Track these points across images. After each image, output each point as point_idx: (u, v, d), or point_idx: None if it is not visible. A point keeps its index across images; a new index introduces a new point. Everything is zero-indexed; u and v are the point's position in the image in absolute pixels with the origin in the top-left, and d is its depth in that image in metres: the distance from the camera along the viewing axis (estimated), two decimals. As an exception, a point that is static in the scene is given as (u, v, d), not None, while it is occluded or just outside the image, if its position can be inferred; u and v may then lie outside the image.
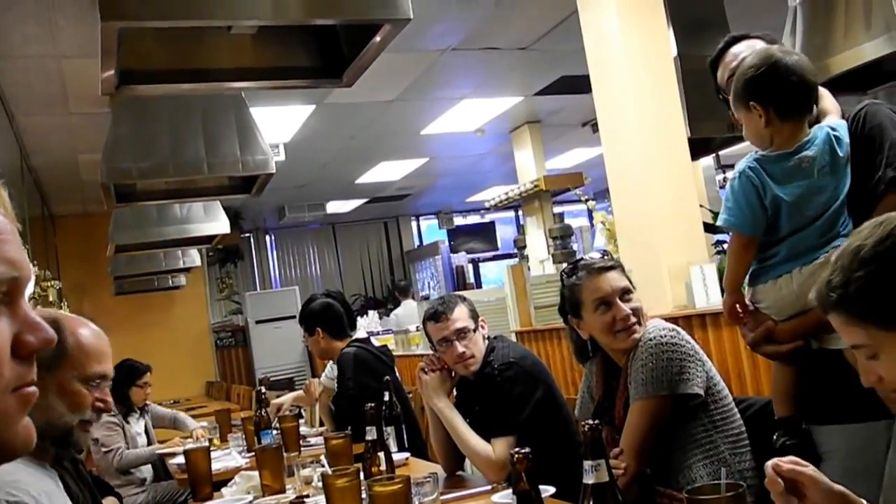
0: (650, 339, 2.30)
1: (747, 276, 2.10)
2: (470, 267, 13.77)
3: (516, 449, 1.59)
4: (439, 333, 2.86)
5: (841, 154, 1.98)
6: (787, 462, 1.38)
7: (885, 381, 1.31)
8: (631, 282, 2.42)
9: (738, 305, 2.11)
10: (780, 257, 2.00)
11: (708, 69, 2.36)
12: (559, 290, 2.54)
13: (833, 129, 2.01)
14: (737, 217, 2.02)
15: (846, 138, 2.00)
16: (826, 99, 2.10)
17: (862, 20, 3.70)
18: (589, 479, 1.46)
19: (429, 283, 13.01)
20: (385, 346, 4.49)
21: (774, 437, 2.06)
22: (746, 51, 2.18)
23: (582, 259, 2.49)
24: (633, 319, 2.34)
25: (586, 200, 6.54)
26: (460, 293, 3.13)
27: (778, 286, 2.01)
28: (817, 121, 2.06)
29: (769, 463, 1.41)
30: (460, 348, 2.83)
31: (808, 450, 1.97)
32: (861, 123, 2.02)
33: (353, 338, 4.21)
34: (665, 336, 2.30)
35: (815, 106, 2.04)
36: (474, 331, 2.88)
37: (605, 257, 2.45)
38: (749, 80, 2.00)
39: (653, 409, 2.25)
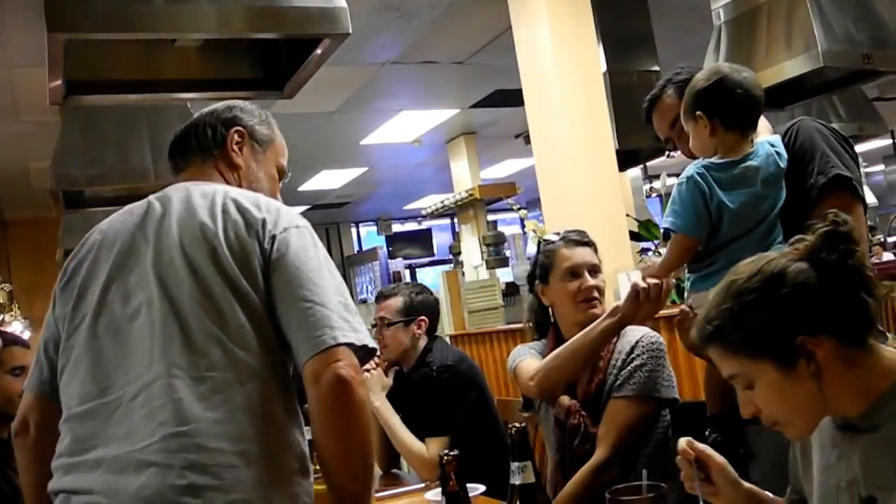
0: (651, 341, 2.35)
1: (688, 283, 2.16)
2: (407, 272, 13.83)
3: (445, 451, 1.63)
4: (374, 315, 3.02)
5: (781, 166, 2.05)
6: (700, 445, 1.46)
7: (762, 412, 1.36)
8: (600, 263, 2.49)
9: (680, 312, 2.15)
10: (719, 265, 2.03)
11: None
12: (533, 259, 2.59)
13: (772, 144, 2.08)
14: (683, 220, 2.05)
15: (784, 153, 2.07)
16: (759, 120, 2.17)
17: (783, 39, 3.85)
18: (516, 480, 1.51)
19: (367, 288, 13.07)
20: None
21: (706, 433, 2.10)
22: (670, 100, 2.29)
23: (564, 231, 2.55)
24: (596, 294, 2.40)
25: (518, 209, 6.66)
26: (418, 285, 3.15)
27: None
28: None
29: (682, 439, 1.49)
30: (376, 334, 2.95)
31: (737, 447, 2.03)
32: (794, 138, 2.11)
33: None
34: (659, 341, 2.36)
35: (757, 123, 2.10)
36: (397, 325, 2.97)
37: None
38: (697, 91, 2.07)
39: (643, 408, 2.29)
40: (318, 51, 2.26)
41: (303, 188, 10.75)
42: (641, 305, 2.16)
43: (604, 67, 4.82)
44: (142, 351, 1.53)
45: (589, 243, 2.49)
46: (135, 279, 1.60)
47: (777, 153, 2.07)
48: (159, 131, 3.66)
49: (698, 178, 2.04)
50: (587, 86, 4.48)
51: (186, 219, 1.62)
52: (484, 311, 6.10)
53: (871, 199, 8.37)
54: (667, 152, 2.43)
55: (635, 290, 2.16)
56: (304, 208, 12.33)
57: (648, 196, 8.47)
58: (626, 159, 5.04)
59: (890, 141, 9.50)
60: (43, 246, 8.54)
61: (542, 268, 2.48)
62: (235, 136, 1.83)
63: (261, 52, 2.53)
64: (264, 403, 1.52)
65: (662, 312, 3.87)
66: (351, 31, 2.16)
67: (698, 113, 2.07)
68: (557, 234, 2.54)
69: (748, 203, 2.03)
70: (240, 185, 1.80)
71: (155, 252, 1.60)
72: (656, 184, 7.95)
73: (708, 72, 2.11)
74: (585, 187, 4.41)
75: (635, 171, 7.56)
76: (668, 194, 8.48)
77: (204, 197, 1.66)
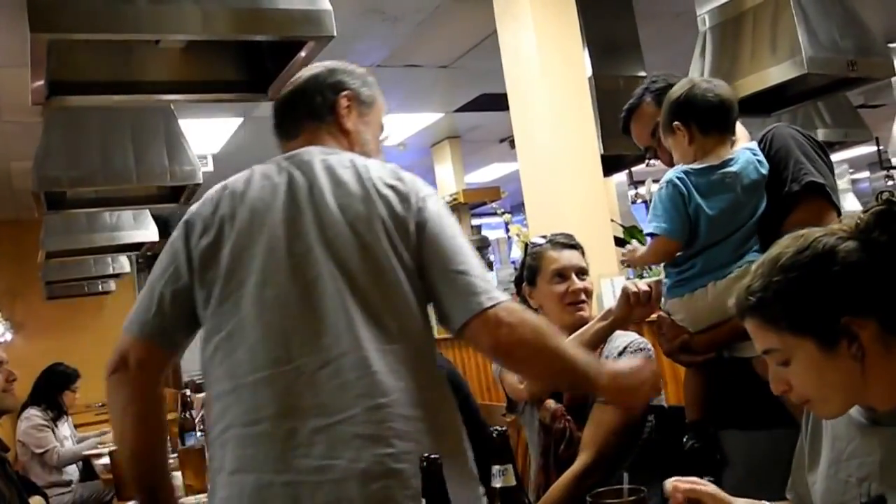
0: (639, 347, 2.35)
1: (665, 289, 2.16)
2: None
3: (426, 454, 1.66)
4: None
5: (763, 173, 2.06)
6: (686, 482, 1.44)
7: (794, 389, 1.35)
8: (587, 266, 2.50)
9: (658, 318, 2.17)
10: (696, 270, 2.05)
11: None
12: (520, 262, 2.60)
13: (753, 151, 2.09)
14: (667, 223, 2.06)
15: (765, 161, 2.09)
16: (737, 128, 2.19)
17: (768, 46, 3.87)
18: (497, 483, 1.49)
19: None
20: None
21: (684, 439, 2.12)
22: (649, 109, 2.30)
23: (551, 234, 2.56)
24: (584, 297, 2.41)
25: (503, 214, 6.68)
26: None
27: (694, 299, 2.06)
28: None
29: (668, 482, 1.46)
30: None
31: (713, 453, 2.06)
32: (769, 145, 2.11)
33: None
34: (648, 347, 2.36)
35: (734, 126, 2.13)
36: None
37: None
38: (672, 103, 2.11)
39: (629, 414, 2.26)
40: (303, 53, 2.25)
41: (287, 191, 10.74)
42: (633, 309, 2.18)
43: (589, 72, 4.83)
44: (324, 323, 1.60)
45: (576, 246, 2.51)
46: (300, 251, 1.66)
47: (758, 161, 2.08)
48: (142, 132, 3.66)
49: (677, 182, 2.06)
50: (572, 90, 4.48)
51: (341, 194, 1.69)
52: (468, 315, 6.10)
53: (856, 205, 8.42)
54: (647, 160, 2.42)
55: (626, 293, 2.17)
56: (288, 211, 12.33)
57: (633, 202, 8.51)
58: (611, 165, 5.05)
59: (875, 148, 9.56)
60: (24, 247, 8.54)
61: (530, 270, 2.49)
62: (344, 101, 1.88)
63: (245, 54, 2.52)
64: (431, 369, 1.70)
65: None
66: (335, 34, 2.16)
67: (675, 124, 2.10)
68: (544, 236, 2.55)
69: (727, 209, 2.04)
70: (351, 149, 1.85)
71: (318, 226, 1.67)
72: (641, 189, 7.99)
73: (680, 84, 2.15)
74: (570, 192, 4.40)
75: (620, 177, 7.60)
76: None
77: (344, 167, 1.73)
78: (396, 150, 9.08)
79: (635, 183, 8.08)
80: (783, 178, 2.05)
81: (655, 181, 9.08)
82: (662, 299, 2.19)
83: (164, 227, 11.18)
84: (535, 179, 4.57)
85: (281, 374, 1.59)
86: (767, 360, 1.37)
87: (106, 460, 3.59)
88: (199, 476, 2.78)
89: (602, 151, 4.69)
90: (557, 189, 4.43)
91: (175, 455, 3.55)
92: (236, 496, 1.57)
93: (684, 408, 2.25)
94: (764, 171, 2.07)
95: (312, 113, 1.88)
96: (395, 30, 5.57)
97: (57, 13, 1.93)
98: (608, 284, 4.13)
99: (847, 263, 1.29)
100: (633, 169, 6.70)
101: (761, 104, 4.14)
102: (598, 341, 2.27)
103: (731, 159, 2.07)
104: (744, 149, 2.11)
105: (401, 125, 8.20)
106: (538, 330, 1.67)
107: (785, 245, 1.36)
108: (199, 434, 3.65)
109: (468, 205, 9.21)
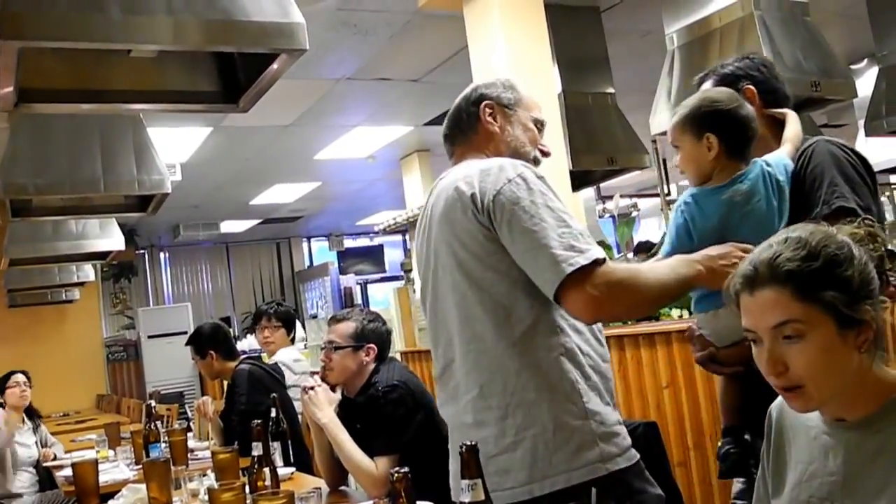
0: None
1: (693, 303, 2.13)
2: (359, 288, 13.84)
3: (396, 469, 1.61)
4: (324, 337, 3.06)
5: (776, 188, 2.01)
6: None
7: (790, 370, 1.33)
8: None
9: (688, 329, 2.16)
10: None
11: None
12: None
13: (767, 164, 2.04)
14: (671, 248, 2.04)
15: (781, 175, 2.03)
16: (792, 127, 2.15)
17: (734, 65, 3.96)
18: (465, 498, 1.50)
19: (317, 303, 13.05)
20: (276, 363, 4.55)
21: (719, 444, 2.12)
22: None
23: None
24: None
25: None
26: (372, 313, 3.16)
27: (718, 317, 2.03)
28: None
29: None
30: (323, 356, 2.98)
31: (748, 458, 2.04)
32: (808, 160, 2.06)
33: (246, 354, 4.28)
34: None
35: None
36: (346, 350, 2.96)
37: None
38: (714, 112, 2.02)
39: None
40: (275, 65, 2.24)
41: (255, 202, 10.69)
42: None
43: (559, 88, 4.88)
44: (447, 326, 1.94)
45: None
46: (432, 258, 1.99)
47: (769, 174, 2.03)
48: (111, 141, 3.63)
49: (684, 207, 2.05)
50: (542, 106, 4.49)
51: (437, 212, 1.96)
52: (435, 329, 6.13)
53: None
54: None
55: None
56: (255, 222, 12.27)
57: (601, 216, 8.56)
58: (579, 180, 5.10)
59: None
60: (-13, 254, 8.47)
61: None
62: (486, 110, 2.09)
63: (216, 65, 2.51)
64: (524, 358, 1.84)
65: (635, 329, 3.93)
66: (308, 48, 2.15)
67: (707, 134, 2.02)
68: None
69: (733, 228, 1.99)
70: (498, 149, 2.06)
71: (431, 240, 1.99)
72: (609, 204, 8.05)
73: (725, 94, 2.07)
74: (538, 207, 4.42)
75: (588, 192, 7.66)
76: (621, 215, 8.63)
77: (444, 189, 1.96)
78: (365, 163, 9.09)
79: (603, 198, 8.15)
80: (816, 197, 2.01)
81: (623, 196, 9.14)
82: (693, 311, 2.18)
83: (131, 235, 11.17)
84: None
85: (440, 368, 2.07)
86: (770, 337, 1.35)
87: (68, 472, 3.54)
88: (164, 489, 2.72)
89: (571, 167, 4.73)
90: (526, 204, 4.43)
91: (139, 467, 3.52)
92: None
93: (655, 422, 2.28)
94: (778, 185, 2.02)
95: (462, 129, 2.12)
96: (366, 43, 5.59)
97: (28, 21, 1.90)
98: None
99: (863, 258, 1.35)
100: (601, 184, 6.77)
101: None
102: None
103: (740, 175, 2.02)
104: (757, 161, 2.05)
105: (370, 138, 8.21)
106: (623, 284, 1.76)
107: (809, 230, 1.37)
108: (163, 446, 3.62)
109: (436, 218, 9.22)
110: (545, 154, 2.12)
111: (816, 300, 1.31)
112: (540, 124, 2.14)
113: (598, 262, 1.72)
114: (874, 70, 5.40)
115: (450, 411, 2.00)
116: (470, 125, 2.10)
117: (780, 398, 1.53)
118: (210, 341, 4.26)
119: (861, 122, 5.74)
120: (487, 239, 1.83)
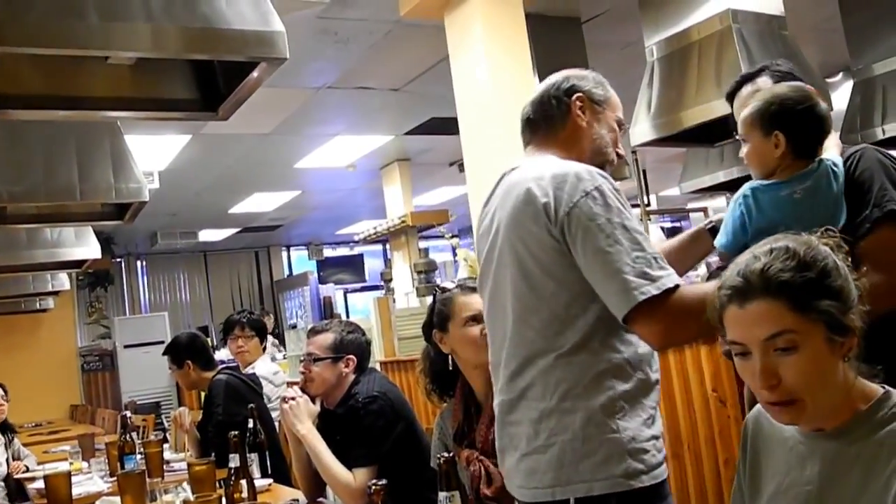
0: None
1: None
2: (341, 296, 13.81)
3: (374, 481, 1.64)
4: (304, 349, 3.04)
5: (836, 188, 2.01)
6: None
7: (784, 383, 1.32)
8: None
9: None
10: None
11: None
12: (429, 307, 2.60)
13: (835, 164, 2.04)
14: (727, 240, 2.05)
15: (842, 176, 2.03)
16: (831, 137, 2.14)
17: (713, 78, 3.95)
18: None
19: (297, 313, 13.01)
20: (253, 373, 4.53)
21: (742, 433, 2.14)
22: (764, 86, 2.22)
23: (459, 280, 2.59)
24: None
25: (450, 237, 6.71)
26: (351, 324, 3.15)
27: None
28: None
29: None
30: (302, 368, 2.97)
31: None
32: (855, 165, 2.06)
33: (224, 365, 4.25)
34: None
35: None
36: (325, 361, 2.96)
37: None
38: (786, 110, 2.00)
39: None
40: (255, 74, 2.22)
41: (234, 210, 10.66)
42: None
43: (539, 99, 4.86)
44: (504, 324, 1.92)
45: None
46: (495, 254, 1.96)
47: (834, 173, 2.03)
48: (87, 148, 3.59)
49: (742, 200, 2.04)
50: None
51: (505, 211, 1.91)
52: (414, 339, 6.11)
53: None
54: (734, 134, 2.27)
55: None
56: (234, 231, 12.22)
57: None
58: (559, 190, 5.07)
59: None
60: (-39, 261, 8.37)
61: (440, 315, 2.50)
62: (578, 103, 2.03)
63: (196, 73, 2.49)
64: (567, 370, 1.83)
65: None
66: (288, 56, 2.14)
67: (776, 132, 2.01)
68: (453, 282, 2.60)
69: (790, 225, 1.95)
70: (581, 146, 2.02)
71: (497, 235, 1.94)
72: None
73: (799, 92, 2.05)
74: (518, 217, 4.42)
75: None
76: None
77: (515, 186, 1.91)
78: (346, 172, 9.08)
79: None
80: (865, 200, 2.01)
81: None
82: None
83: (108, 243, 11.09)
84: (483, 204, 4.59)
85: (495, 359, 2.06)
86: (762, 349, 1.33)
87: (40, 484, 3.49)
88: (139, 501, 2.70)
89: (550, 178, 4.72)
90: (506, 214, 4.44)
91: (114, 479, 3.48)
92: None
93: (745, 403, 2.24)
94: (837, 186, 2.02)
95: (547, 117, 2.05)
96: (347, 52, 5.59)
97: (4, 26, 1.87)
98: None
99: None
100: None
101: (706, 135, 4.22)
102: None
103: (802, 174, 2.01)
104: (824, 160, 2.05)
105: (351, 147, 8.20)
106: (692, 313, 1.65)
107: (794, 241, 1.38)
108: (139, 457, 3.59)
109: (416, 227, 9.23)
110: (620, 157, 2.10)
111: (811, 310, 1.30)
112: (621, 126, 2.11)
113: (668, 292, 1.70)
114: (849, 84, 5.44)
115: (496, 400, 2.00)
116: (559, 115, 2.04)
117: (755, 409, 1.54)
118: (187, 351, 4.23)
119: (836, 135, 5.77)
120: (556, 251, 1.80)
